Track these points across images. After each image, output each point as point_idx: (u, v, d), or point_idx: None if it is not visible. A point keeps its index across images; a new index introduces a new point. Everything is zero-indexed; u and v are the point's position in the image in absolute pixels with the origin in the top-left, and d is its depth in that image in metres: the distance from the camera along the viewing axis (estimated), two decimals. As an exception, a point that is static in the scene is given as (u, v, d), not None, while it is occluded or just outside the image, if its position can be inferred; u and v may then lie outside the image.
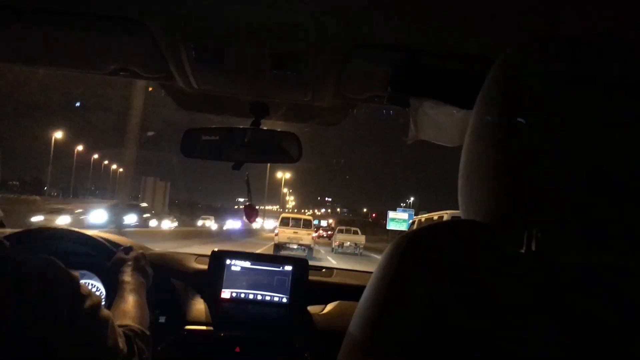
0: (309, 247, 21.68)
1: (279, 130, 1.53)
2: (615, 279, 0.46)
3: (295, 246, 21.48)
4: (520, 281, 0.47)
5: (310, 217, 25.02)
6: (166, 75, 1.30)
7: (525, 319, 0.44)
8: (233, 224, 48.06)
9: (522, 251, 0.48)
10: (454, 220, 0.58)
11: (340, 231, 29.28)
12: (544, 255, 0.48)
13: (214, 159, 1.58)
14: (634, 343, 0.43)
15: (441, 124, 1.28)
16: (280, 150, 1.55)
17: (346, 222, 52.84)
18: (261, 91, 1.41)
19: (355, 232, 29.10)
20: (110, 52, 1.24)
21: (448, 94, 1.23)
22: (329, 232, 50.66)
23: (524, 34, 0.94)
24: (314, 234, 24.15)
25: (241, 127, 1.54)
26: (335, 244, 27.37)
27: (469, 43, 1.06)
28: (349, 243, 26.75)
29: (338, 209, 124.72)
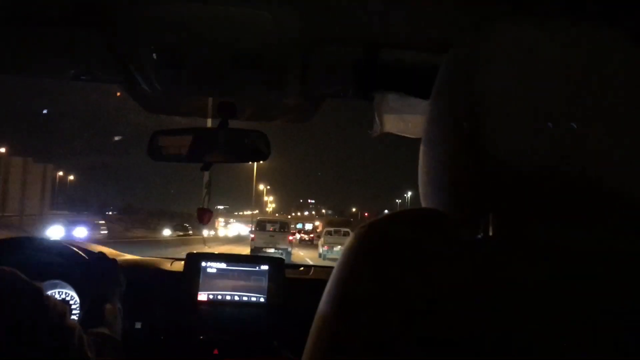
0: (286, 250, 21.55)
1: (246, 129, 1.61)
2: (574, 260, 0.48)
3: (272, 250, 21.23)
4: (478, 266, 0.49)
5: (287, 219, 24.99)
6: (129, 78, 1.33)
7: (484, 303, 0.46)
8: (57, 231, 27.32)
9: (480, 237, 0.51)
10: (412, 209, 0.60)
11: (329, 233, 26.31)
12: (501, 240, 0.50)
13: (182, 161, 1.63)
14: (595, 323, 0.45)
15: (404, 115, 1.36)
16: (249, 149, 1.61)
17: (337, 223, 46.05)
18: (226, 91, 1.46)
19: (346, 234, 24.77)
20: (70, 57, 1.27)
21: (409, 85, 1.30)
22: (311, 236, 45.61)
23: (477, 22, 1.01)
24: (291, 237, 23.88)
25: (209, 127, 1.60)
26: (323, 248, 24.86)
27: (426, 34, 1.11)
28: (339, 247, 22.72)
29: (323, 210, 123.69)
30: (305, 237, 45.04)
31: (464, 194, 0.54)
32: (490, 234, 0.50)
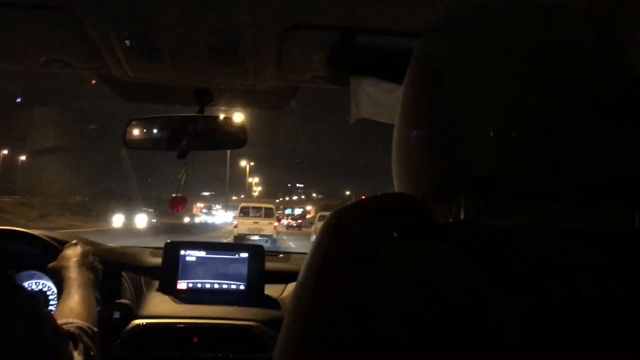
0: (271, 238, 21.12)
1: (222, 116, 1.64)
2: (546, 242, 0.50)
3: (256, 237, 20.71)
4: (450, 249, 0.50)
5: (271, 205, 24.11)
6: (101, 65, 1.34)
7: (459, 286, 0.47)
8: None
9: (452, 220, 0.52)
10: (385, 194, 0.61)
11: (322, 218, 25.16)
12: (472, 223, 0.51)
13: (158, 149, 1.65)
14: (566, 305, 0.46)
15: (380, 101, 1.38)
16: (225, 137, 1.64)
17: (334, 208, 43.79)
18: (201, 78, 1.46)
19: None
20: (40, 43, 1.26)
21: (384, 70, 1.32)
22: (299, 221, 45.31)
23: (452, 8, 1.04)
24: (276, 223, 23.33)
25: (185, 115, 1.62)
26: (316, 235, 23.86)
27: (401, 19, 1.13)
28: None
29: (314, 194, 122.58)
30: (293, 222, 43.71)
31: (436, 179, 0.56)
32: (461, 218, 0.52)
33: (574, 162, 0.51)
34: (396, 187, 0.64)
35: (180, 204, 1.76)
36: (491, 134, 0.51)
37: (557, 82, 0.51)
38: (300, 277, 0.55)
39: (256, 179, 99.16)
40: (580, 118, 0.51)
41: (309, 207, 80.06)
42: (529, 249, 0.49)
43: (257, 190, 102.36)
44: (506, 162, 0.51)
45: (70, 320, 1.17)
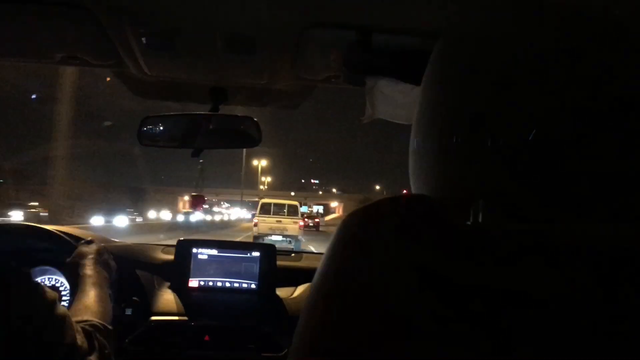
0: (295, 238, 19.97)
1: (237, 114, 1.68)
2: (561, 248, 0.49)
3: (279, 237, 19.51)
4: (467, 252, 0.50)
5: (296, 203, 22.49)
6: (117, 62, 1.37)
7: (473, 288, 0.48)
8: None
9: (469, 223, 0.53)
10: (402, 195, 0.61)
11: None
12: (490, 227, 0.52)
13: (172, 147, 1.70)
14: (580, 314, 0.46)
15: (396, 101, 1.40)
16: (240, 135, 1.67)
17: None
18: (217, 76, 1.49)
19: None
20: (57, 40, 1.30)
21: (401, 71, 1.33)
22: (316, 220, 43.86)
23: (471, 8, 1.06)
24: (301, 223, 21.67)
25: (199, 113, 1.64)
26: None
27: (419, 19, 1.14)
28: None
29: (334, 190, 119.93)
30: (310, 222, 40.72)
31: (454, 181, 0.56)
32: (480, 220, 0.52)
33: (597, 173, 0.50)
34: (413, 188, 0.65)
35: (199, 202, 1.82)
36: (509, 139, 0.51)
37: (584, 88, 0.50)
38: (316, 276, 0.56)
39: (263, 162, 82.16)
40: (607, 128, 0.50)
41: (334, 204, 75.82)
42: (535, 257, 0.49)
43: (265, 181, 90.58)
44: (524, 170, 0.51)
45: (85, 318, 1.20)
